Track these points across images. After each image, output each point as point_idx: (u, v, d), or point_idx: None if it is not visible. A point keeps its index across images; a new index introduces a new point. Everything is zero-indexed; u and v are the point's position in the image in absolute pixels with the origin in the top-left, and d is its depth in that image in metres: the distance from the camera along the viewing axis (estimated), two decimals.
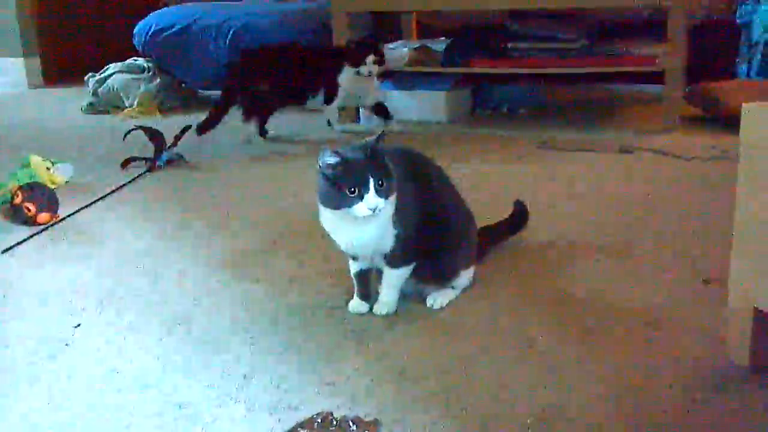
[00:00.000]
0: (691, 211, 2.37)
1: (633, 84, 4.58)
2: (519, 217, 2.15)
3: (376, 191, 1.56)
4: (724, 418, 1.31)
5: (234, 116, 3.61)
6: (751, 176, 1.38)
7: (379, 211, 1.57)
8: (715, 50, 4.13)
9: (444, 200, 1.79)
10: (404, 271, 1.73)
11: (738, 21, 4.01)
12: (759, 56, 3.98)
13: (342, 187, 1.56)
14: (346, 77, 3.62)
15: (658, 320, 1.67)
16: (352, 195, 1.56)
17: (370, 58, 3.56)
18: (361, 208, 1.56)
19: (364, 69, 3.57)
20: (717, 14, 4.17)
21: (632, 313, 1.71)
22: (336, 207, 1.60)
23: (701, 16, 4.16)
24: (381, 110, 3.73)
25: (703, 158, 2.96)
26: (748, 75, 4.00)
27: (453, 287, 1.80)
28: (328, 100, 3.68)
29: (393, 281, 1.74)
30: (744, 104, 1.38)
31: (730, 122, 3.28)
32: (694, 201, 2.47)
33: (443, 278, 1.79)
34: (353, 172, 1.56)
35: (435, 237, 1.74)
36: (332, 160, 1.57)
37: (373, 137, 1.63)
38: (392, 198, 1.61)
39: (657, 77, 3.68)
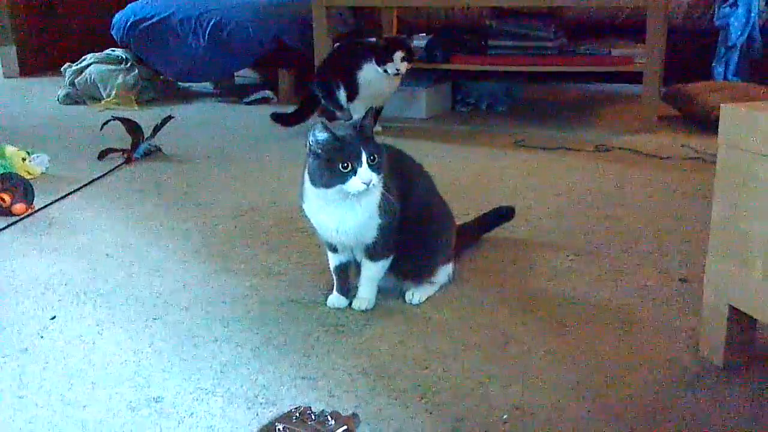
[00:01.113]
0: (667, 209, 2.39)
1: (611, 83, 4.61)
2: (496, 216, 2.16)
3: (369, 165, 1.56)
4: (699, 415, 1.32)
5: (205, 111, 3.59)
6: (729, 176, 1.40)
7: (373, 186, 1.57)
8: (692, 52, 4.17)
9: (424, 197, 1.79)
10: (383, 264, 1.73)
11: (715, 23, 4.05)
12: (735, 58, 4.02)
13: (335, 163, 1.56)
14: (368, 75, 3.39)
15: (633, 318, 1.68)
16: (345, 170, 1.55)
17: (398, 54, 3.32)
18: (355, 183, 1.56)
19: (391, 67, 3.33)
20: (694, 16, 4.20)
21: (607, 311, 1.72)
22: (329, 184, 1.59)
23: (679, 18, 4.19)
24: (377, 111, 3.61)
25: (679, 158, 2.98)
26: (724, 77, 4.03)
27: (432, 282, 1.81)
28: (351, 98, 3.46)
29: (372, 275, 1.74)
30: (723, 105, 1.40)
31: (706, 123, 3.32)
32: (670, 200, 2.49)
33: (422, 274, 1.79)
34: (345, 147, 1.56)
35: (414, 233, 1.74)
36: (323, 136, 1.56)
37: (360, 116, 1.63)
38: (381, 179, 1.61)
39: (635, 77, 3.71)
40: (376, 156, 1.57)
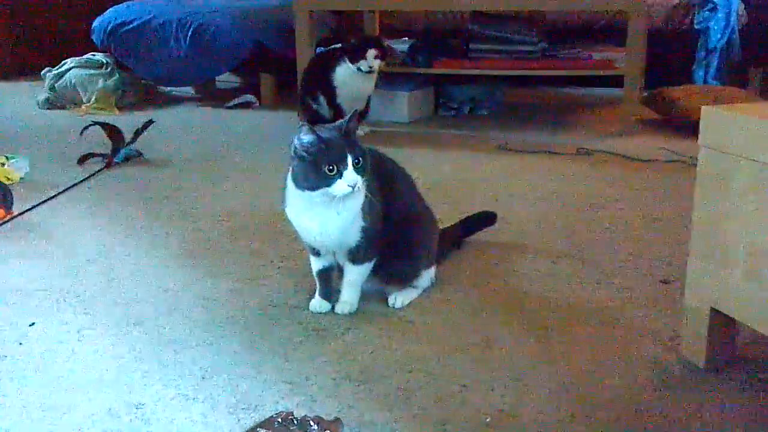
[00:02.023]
0: (648, 212, 2.40)
1: (592, 87, 4.63)
2: (479, 220, 2.17)
3: (354, 168, 1.56)
4: (681, 416, 1.33)
5: (186, 115, 3.57)
6: (709, 177, 1.40)
7: (358, 189, 1.57)
8: (672, 55, 4.20)
9: (406, 201, 1.79)
10: (366, 268, 1.72)
11: (695, 27, 4.08)
12: (715, 62, 4.06)
13: (320, 166, 1.55)
14: (342, 76, 3.40)
15: (615, 320, 1.69)
16: (331, 173, 1.55)
17: (371, 52, 3.33)
18: (340, 186, 1.55)
19: (364, 65, 3.34)
20: (675, 20, 4.23)
21: (589, 313, 1.73)
22: (314, 187, 1.58)
23: (659, 22, 4.22)
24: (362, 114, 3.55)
25: (659, 160, 3.00)
26: (704, 80, 4.07)
27: (414, 287, 1.81)
28: (331, 103, 3.47)
29: (354, 279, 1.73)
30: (704, 107, 1.40)
31: (686, 126, 3.34)
32: (651, 202, 2.50)
33: (405, 279, 1.79)
34: (330, 150, 1.56)
35: (397, 237, 1.74)
36: (308, 138, 1.56)
37: (346, 118, 1.62)
38: (365, 182, 1.60)
39: (615, 81, 3.73)
40: (361, 159, 1.57)
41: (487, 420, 1.32)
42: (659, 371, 1.48)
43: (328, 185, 1.56)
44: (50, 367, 1.52)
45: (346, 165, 1.55)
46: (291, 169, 1.62)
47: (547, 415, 1.34)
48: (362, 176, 1.57)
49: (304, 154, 1.57)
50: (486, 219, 2.18)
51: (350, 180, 1.55)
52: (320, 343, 1.61)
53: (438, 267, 1.88)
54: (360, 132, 3.53)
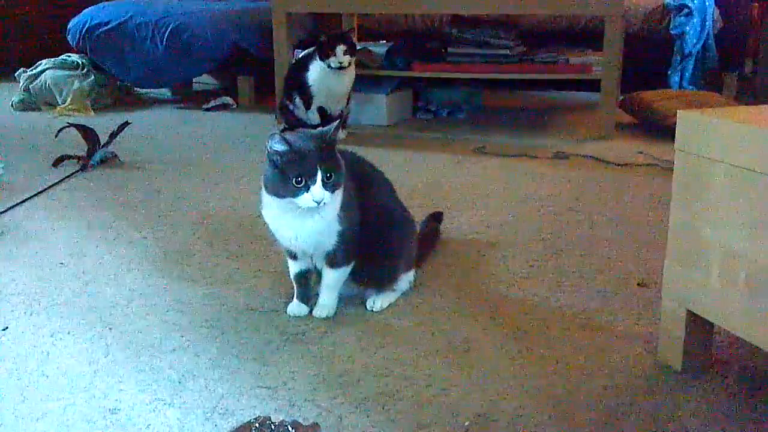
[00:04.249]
0: (625, 215, 2.41)
1: (569, 91, 4.66)
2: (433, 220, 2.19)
3: (323, 184, 1.54)
4: (657, 418, 1.34)
5: (163, 117, 3.54)
6: (686, 181, 1.41)
7: (324, 204, 1.56)
8: (648, 60, 4.23)
9: (384, 203, 1.79)
10: (343, 272, 1.72)
11: (671, 32, 4.12)
12: (691, 67, 4.10)
13: (289, 176, 1.54)
14: (314, 74, 3.41)
15: (592, 323, 1.70)
16: (299, 185, 1.53)
17: (340, 48, 3.32)
18: (306, 199, 1.54)
19: (334, 61, 3.33)
20: (651, 25, 4.27)
21: (567, 316, 1.73)
22: (281, 195, 1.57)
23: (636, 27, 4.26)
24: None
25: (636, 164, 3.02)
26: (680, 85, 4.11)
27: (393, 290, 1.80)
28: (307, 106, 3.50)
29: (332, 282, 1.72)
30: (680, 111, 1.41)
31: (663, 130, 3.37)
32: (628, 206, 2.52)
33: (384, 282, 1.78)
34: (301, 162, 1.54)
35: (375, 240, 1.73)
36: (280, 147, 1.54)
37: (331, 126, 1.61)
38: (339, 192, 1.59)
39: (592, 85, 3.76)
40: (333, 174, 1.55)
41: (466, 423, 1.32)
42: (636, 374, 1.49)
43: (294, 196, 1.54)
44: (24, 372, 1.50)
45: (315, 180, 1.53)
46: (265, 170, 1.61)
47: (525, 418, 1.34)
48: (332, 192, 1.56)
49: (275, 159, 1.55)
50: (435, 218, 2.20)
51: (317, 196, 1.53)
52: (298, 348, 1.60)
53: (416, 270, 1.88)
54: (340, 135, 3.54)
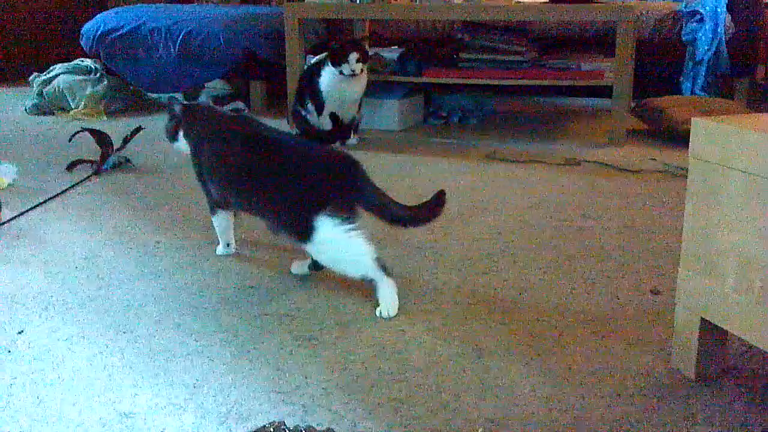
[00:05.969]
0: (637, 222, 2.41)
1: (581, 97, 4.66)
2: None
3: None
4: (670, 426, 1.33)
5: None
6: (700, 188, 1.41)
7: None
8: (660, 66, 4.23)
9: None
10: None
11: (683, 38, 4.11)
12: (702, 73, 4.09)
13: None
14: (326, 80, 3.41)
15: (605, 330, 1.69)
16: None
17: (353, 55, 3.32)
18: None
19: (346, 68, 3.33)
20: (663, 31, 4.26)
21: (579, 323, 1.73)
22: None
23: (647, 33, 4.25)
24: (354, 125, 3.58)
25: (648, 171, 3.02)
26: (692, 91, 4.10)
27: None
28: (319, 111, 3.49)
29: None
30: (694, 119, 1.41)
31: (675, 137, 3.37)
32: (640, 213, 2.52)
33: (298, 229, 1.80)
34: None
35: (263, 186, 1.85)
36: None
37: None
38: None
39: (604, 91, 3.76)
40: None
41: (479, 429, 1.32)
42: (650, 381, 1.48)
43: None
44: (39, 376, 1.51)
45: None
46: None
47: (538, 424, 1.34)
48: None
49: None
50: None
51: None
52: (312, 352, 1.60)
53: (427, 278, 1.88)
54: (352, 141, 3.55)
